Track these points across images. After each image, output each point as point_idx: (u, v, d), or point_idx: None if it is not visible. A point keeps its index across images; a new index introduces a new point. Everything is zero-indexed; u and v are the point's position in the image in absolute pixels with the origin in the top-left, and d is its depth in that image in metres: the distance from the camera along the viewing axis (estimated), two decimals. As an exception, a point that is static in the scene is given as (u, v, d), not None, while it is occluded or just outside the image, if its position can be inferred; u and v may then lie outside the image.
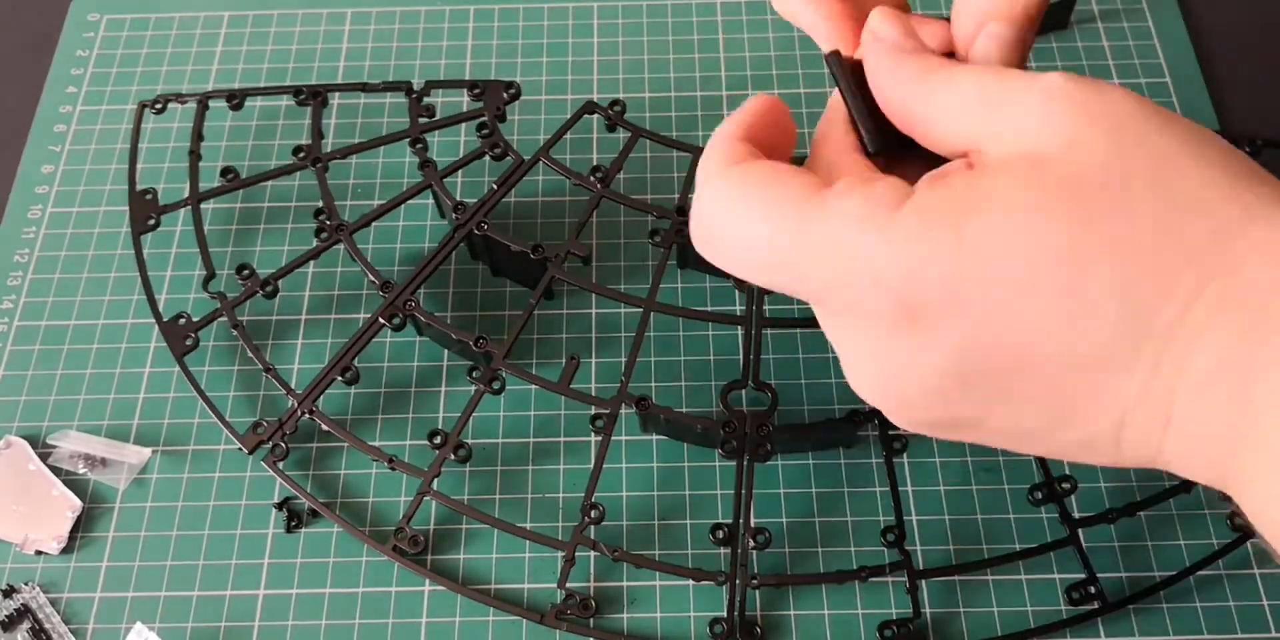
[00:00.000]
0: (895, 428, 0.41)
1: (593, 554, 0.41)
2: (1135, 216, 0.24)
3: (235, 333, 0.45)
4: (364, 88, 0.49)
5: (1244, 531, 0.41)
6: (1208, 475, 0.25)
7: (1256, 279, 0.23)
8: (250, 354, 0.44)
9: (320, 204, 0.46)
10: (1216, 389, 0.24)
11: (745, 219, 0.28)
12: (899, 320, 0.26)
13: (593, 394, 0.42)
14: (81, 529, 0.43)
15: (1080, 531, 0.41)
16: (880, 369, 0.28)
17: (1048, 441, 0.27)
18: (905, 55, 0.29)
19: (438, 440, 0.41)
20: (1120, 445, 0.26)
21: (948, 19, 0.31)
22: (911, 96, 0.29)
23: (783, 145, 0.31)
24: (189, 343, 0.45)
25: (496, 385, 0.42)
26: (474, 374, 0.42)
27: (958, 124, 0.28)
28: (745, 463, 0.41)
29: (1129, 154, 0.25)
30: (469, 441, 0.42)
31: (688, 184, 0.44)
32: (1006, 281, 0.25)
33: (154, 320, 0.46)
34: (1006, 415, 0.27)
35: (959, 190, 0.26)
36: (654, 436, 0.44)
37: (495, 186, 0.45)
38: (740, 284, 0.43)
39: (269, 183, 0.49)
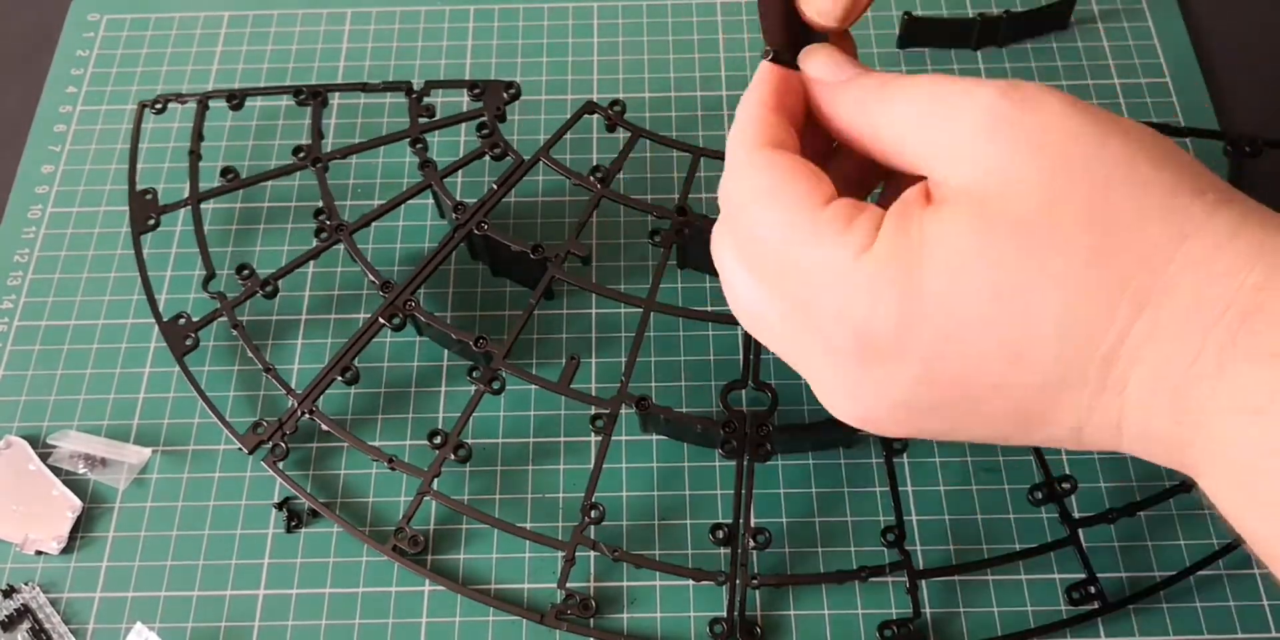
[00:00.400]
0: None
1: (593, 554, 0.41)
2: (1071, 253, 0.25)
3: (235, 333, 0.45)
4: (364, 88, 0.49)
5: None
6: (1166, 463, 0.27)
7: (1184, 301, 0.25)
8: (250, 354, 0.44)
9: (320, 204, 0.46)
10: (1156, 403, 0.26)
11: (753, 222, 0.30)
12: (859, 354, 0.28)
13: (593, 394, 0.42)
14: (81, 529, 0.43)
15: (1080, 531, 0.41)
16: (847, 396, 0.30)
17: (1015, 441, 0.29)
18: (842, 88, 0.30)
19: (438, 440, 0.41)
20: (1082, 442, 0.28)
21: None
22: (860, 127, 0.30)
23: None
24: (189, 343, 0.45)
25: (496, 385, 0.42)
26: (474, 374, 0.42)
27: (905, 151, 0.29)
28: (745, 463, 0.41)
29: (1064, 188, 0.26)
30: (469, 441, 0.42)
31: (688, 184, 0.44)
32: (954, 323, 0.26)
33: (154, 320, 0.46)
34: (972, 428, 0.29)
35: (913, 237, 0.27)
36: (654, 436, 0.44)
37: (495, 186, 0.45)
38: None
39: (269, 183, 0.49)
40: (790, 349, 0.31)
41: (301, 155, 0.47)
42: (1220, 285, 0.24)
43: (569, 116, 0.46)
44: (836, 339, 0.28)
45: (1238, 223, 0.25)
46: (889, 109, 0.29)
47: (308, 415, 0.43)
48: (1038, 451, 0.41)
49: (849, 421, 0.31)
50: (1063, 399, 0.27)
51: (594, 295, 0.47)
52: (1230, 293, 0.24)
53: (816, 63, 0.31)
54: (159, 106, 0.50)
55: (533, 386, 0.43)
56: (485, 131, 0.46)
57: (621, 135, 0.46)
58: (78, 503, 0.43)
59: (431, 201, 0.50)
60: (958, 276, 0.26)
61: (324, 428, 0.43)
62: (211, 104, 0.50)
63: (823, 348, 0.29)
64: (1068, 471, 0.42)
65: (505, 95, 0.47)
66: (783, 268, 0.29)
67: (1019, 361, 0.26)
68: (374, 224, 0.46)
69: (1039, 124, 0.26)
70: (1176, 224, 0.25)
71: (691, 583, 0.41)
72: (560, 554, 0.40)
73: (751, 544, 0.40)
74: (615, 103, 0.46)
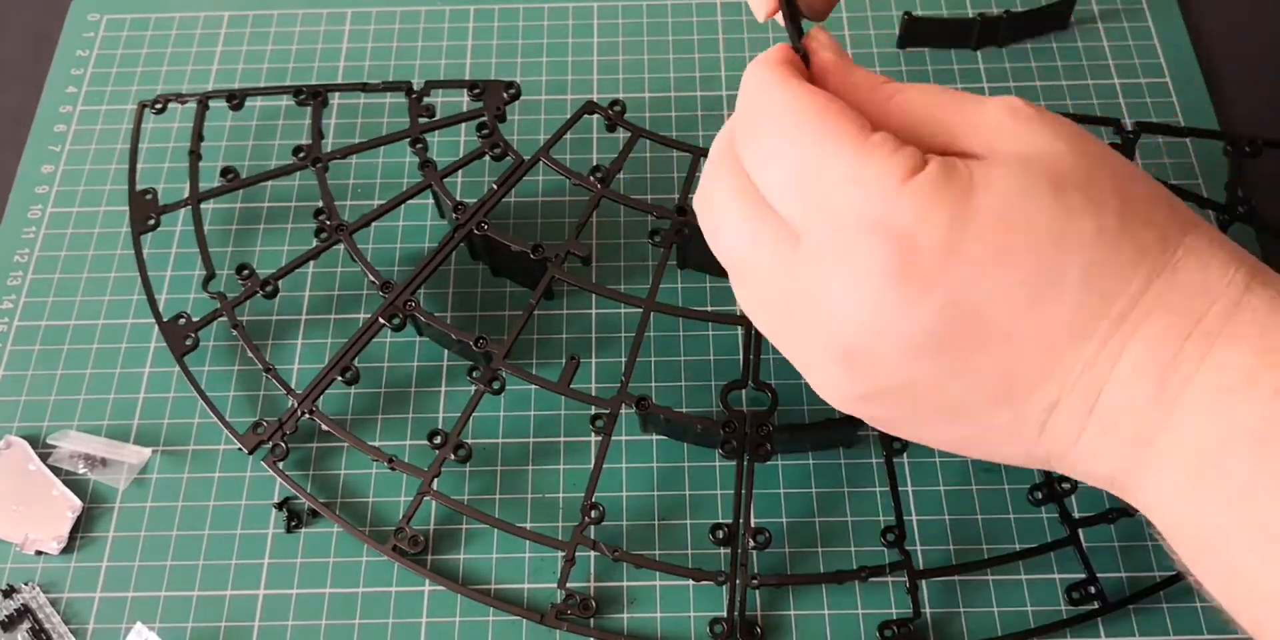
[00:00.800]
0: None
1: (593, 554, 0.41)
2: (1104, 216, 0.28)
3: (235, 333, 0.45)
4: (364, 88, 0.49)
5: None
6: (1108, 470, 0.29)
7: (1188, 280, 0.27)
8: (250, 354, 0.44)
9: (320, 204, 0.46)
10: (1141, 379, 0.27)
11: (789, 137, 0.30)
12: (892, 271, 0.28)
13: (593, 394, 0.42)
14: (81, 529, 0.43)
15: (1080, 531, 0.41)
16: (861, 324, 0.29)
17: (975, 422, 0.30)
18: (850, 70, 0.32)
19: (438, 440, 0.41)
20: (1043, 430, 0.29)
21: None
22: (874, 98, 0.31)
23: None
24: (189, 343, 0.45)
25: (496, 385, 0.42)
26: (474, 374, 0.42)
27: (935, 126, 0.30)
28: (745, 463, 0.41)
29: (1094, 165, 0.29)
30: (469, 441, 0.42)
31: (688, 184, 0.44)
32: (995, 252, 0.27)
33: (154, 320, 0.46)
34: (955, 385, 0.29)
35: (963, 171, 0.28)
36: (654, 436, 0.44)
37: (495, 186, 0.45)
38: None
39: (269, 183, 0.49)
40: (787, 293, 0.30)
41: (301, 155, 0.47)
42: (1215, 277, 0.27)
43: (569, 116, 0.46)
44: (873, 250, 0.28)
45: (1214, 233, 0.29)
46: (912, 92, 0.31)
47: (308, 415, 0.43)
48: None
49: (838, 359, 0.30)
50: (1059, 360, 0.28)
51: (594, 295, 0.47)
52: (1222, 286, 0.27)
53: (821, 41, 0.32)
54: (159, 106, 0.50)
55: (533, 386, 0.43)
56: (485, 131, 0.46)
57: (621, 135, 0.46)
58: (78, 503, 0.43)
59: (431, 201, 0.50)
60: (1005, 211, 0.27)
61: (324, 428, 0.43)
62: (211, 104, 0.50)
63: (848, 265, 0.28)
64: (1068, 471, 0.42)
65: (505, 95, 0.47)
66: (811, 185, 0.29)
67: (1039, 304, 0.27)
68: (374, 224, 0.46)
69: (1060, 123, 0.29)
70: (1181, 217, 0.28)
71: (691, 583, 0.41)
72: (560, 554, 0.40)
73: (751, 544, 0.40)
74: (615, 103, 0.46)
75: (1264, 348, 0.26)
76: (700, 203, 0.33)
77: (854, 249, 0.28)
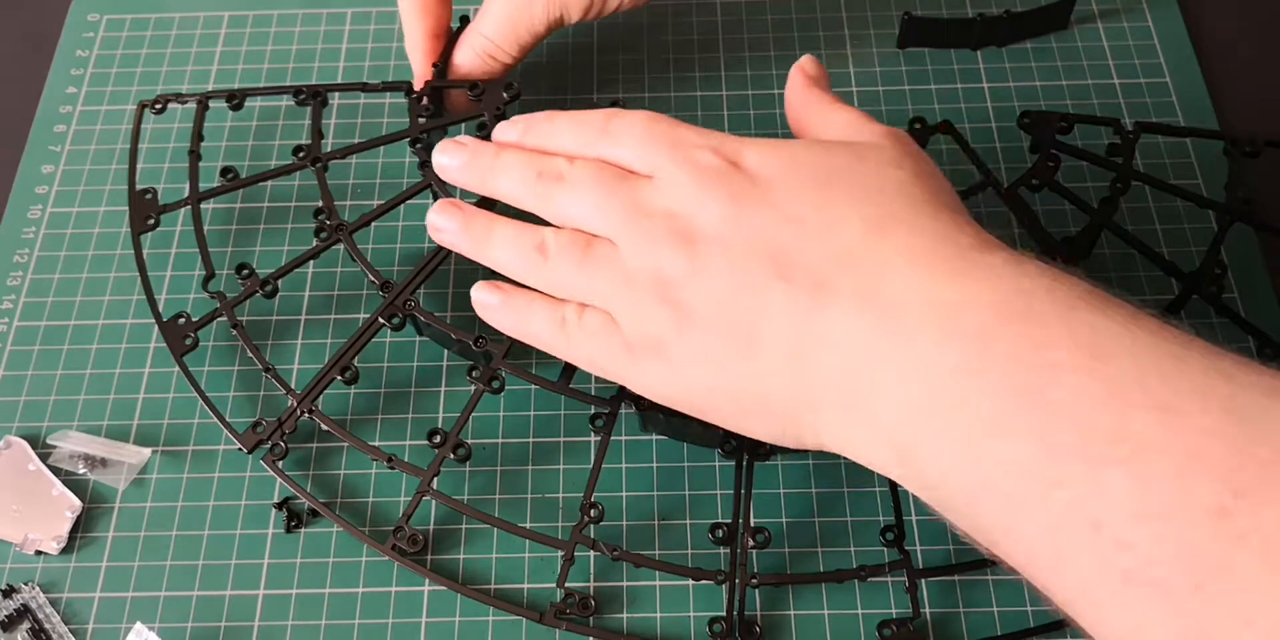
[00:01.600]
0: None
1: (592, 553, 0.41)
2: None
3: (235, 333, 0.45)
4: (364, 88, 0.49)
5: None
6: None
7: (893, 282, 0.33)
8: (250, 354, 0.44)
9: (320, 204, 0.46)
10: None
11: None
12: None
13: (592, 393, 0.42)
14: (81, 529, 0.43)
15: (1080, 531, 0.40)
16: None
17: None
18: (818, 87, 0.41)
19: (437, 440, 0.41)
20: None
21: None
22: (812, 112, 0.40)
23: None
24: (189, 343, 0.45)
25: (496, 385, 0.42)
26: (474, 374, 0.42)
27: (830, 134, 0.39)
28: (745, 462, 0.41)
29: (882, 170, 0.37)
30: (469, 441, 0.42)
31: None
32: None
33: (154, 320, 0.46)
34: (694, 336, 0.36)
35: None
36: (654, 436, 0.44)
37: (495, 186, 0.45)
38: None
39: (269, 183, 0.49)
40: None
41: (301, 155, 0.47)
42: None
43: (569, 116, 0.46)
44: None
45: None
46: (838, 112, 0.40)
47: (307, 415, 0.43)
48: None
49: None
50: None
51: (594, 295, 0.47)
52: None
53: (814, 63, 0.42)
54: (159, 106, 0.50)
55: (532, 386, 0.43)
56: (485, 131, 0.46)
57: (621, 135, 0.46)
58: (78, 503, 0.43)
59: (431, 201, 0.50)
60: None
61: (324, 427, 0.43)
62: (211, 104, 0.50)
63: None
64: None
65: (505, 95, 0.47)
66: None
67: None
68: (374, 224, 0.46)
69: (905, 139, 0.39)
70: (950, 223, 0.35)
71: (691, 582, 0.41)
72: (560, 553, 0.40)
73: (751, 543, 0.40)
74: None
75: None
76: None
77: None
